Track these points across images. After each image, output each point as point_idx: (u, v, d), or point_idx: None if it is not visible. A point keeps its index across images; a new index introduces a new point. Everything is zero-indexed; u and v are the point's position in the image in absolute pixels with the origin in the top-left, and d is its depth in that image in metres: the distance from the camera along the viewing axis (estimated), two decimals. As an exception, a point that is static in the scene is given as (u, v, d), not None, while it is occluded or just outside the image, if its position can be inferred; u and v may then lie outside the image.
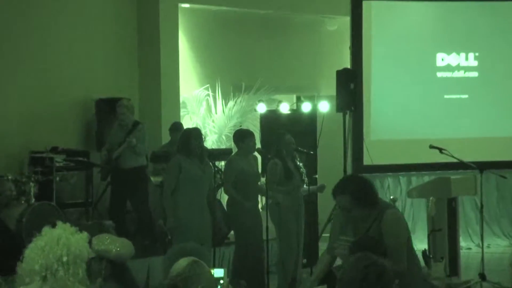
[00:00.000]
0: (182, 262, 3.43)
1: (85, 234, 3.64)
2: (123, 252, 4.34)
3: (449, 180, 7.92)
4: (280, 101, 10.74)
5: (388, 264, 2.96)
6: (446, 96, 11.28)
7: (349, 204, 4.62)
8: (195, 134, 7.54)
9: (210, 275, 3.50)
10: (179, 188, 7.34)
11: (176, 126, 9.52)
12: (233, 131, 9.46)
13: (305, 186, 8.07)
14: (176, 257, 3.77)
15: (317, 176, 9.69)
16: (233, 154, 8.44)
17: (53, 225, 3.64)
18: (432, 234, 7.55)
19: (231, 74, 11.58)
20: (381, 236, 4.53)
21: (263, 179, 8.17)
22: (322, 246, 8.20)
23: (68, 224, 3.63)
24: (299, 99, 12.00)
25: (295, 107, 10.82)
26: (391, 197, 9.13)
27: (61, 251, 3.57)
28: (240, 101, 11.38)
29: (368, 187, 4.74)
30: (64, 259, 3.57)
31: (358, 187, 4.66)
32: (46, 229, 3.60)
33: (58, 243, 3.58)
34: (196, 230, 7.23)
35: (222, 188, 8.43)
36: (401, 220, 4.79)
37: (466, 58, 11.28)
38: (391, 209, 4.77)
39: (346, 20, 11.35)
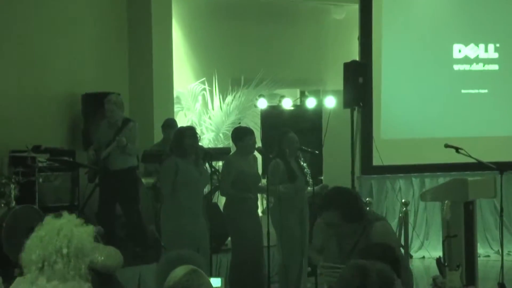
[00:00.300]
0: (180, 271, 3.35)
1: (90, 228, 3.72)
2: (109, 262, 4.36)
3: (466, 182, 7.92)
4: (282, 96, 10.80)
5: (381, 269, 2.98)
6: (463, 91, 11.29)
7: (337, 220, 4.65)
8: (189, 133, 7.53)
9: (210, 286, 3.42)
10: (175, 192, 7.37)
11: (169, 123, 9.55)
12: (231, 129, 9.43)
13: (309, 188, 8.06)
14: (170, 265, 3.74)
15: (322, 177, 9.73)
16: (231, 153, 8.44)
17: (58, 215, 3.71)
18: (447, 240, 7.55)
19: (229, 67, 11.60)
20: None
21: (264, 181, 8.17)
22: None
23: (74, 215, 3.71)
24: (303, 94, 12.10)
25: (298, 103, 10.91)
26: (403, 200, 9.16)
27: (61, 242, 3.66)
28: (239, 96, 11.42)
29: (356, 200, 4.78)
30: (64, 251, 3.66)
31: (346, 201, 4.69)
32: (48, 218, 3.68)
33: (59, 234, 3.66)
34: (192, 236, 7.27)
35: (219, 191, 8.45)
36: (390, 232, 4.83)
37: (486, 50, 11.28)
38: (380, 221, 4.80)
39: (355, 8, 11.36)
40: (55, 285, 3.74)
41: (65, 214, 3.74)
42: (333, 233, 4.78)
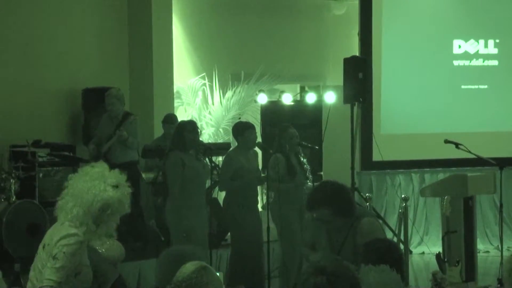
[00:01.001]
0: (190, 267, 3.31)
1: (110, 192, 3.81)
2: (112, 255, 4.36)
3: (466, 177, 7.91)
4: (282, 91, 10.89)
5: (337, 272, 2.93)
6: (463, 87, 11.25)
7: (330, 216, 4.62)
8: (190, 127, 7.52)
9: (219, 284, 3.38)
10: (182, 186, 7.36)
11: (170, 118, 9.49)
12: (231, 124, 9.56)
13: (309, 183, 8.03)
14: (170, 260, 3.74)
15: (322, 173, 9.72)
16: (232, 149, 8.48)
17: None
18: (447, 236, 7.56)
19: (230, 62, 11.58)
20: (357, 247, 4.51)
21: (263, 176, 8.14)
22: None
23: (116, 173, 3.89)
24: (303, 89, 12.10)
25: (298, 98, 10.91)
26: (403, 195, 9.14)
27: (73, 183, 3.73)
28: (239, 91, 11.39)
29: (348, 195, 4.75)
30: (71, 190, 3.73)
31: (339, 196, 4.66)
32: (97, 164, 3.90)
33: (81, 177, 3.73)
34: (195, 232, 7.29)
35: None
36: (377, 229, 4.79)
37: (486, 45, 11.25)
38: (367, 218, 4.77)
39: (355, 3, 11.34)
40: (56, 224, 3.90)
41: (116, 171, 3.89)
42: (325, 229, 4.76)
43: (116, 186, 3.87)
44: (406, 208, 8.76)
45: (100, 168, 3.92)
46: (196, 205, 7.40)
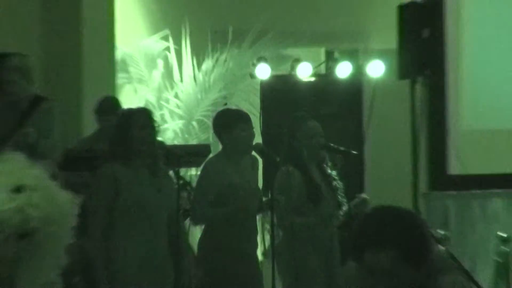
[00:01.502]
0: None
1: (4, 202, 3.63)
2: None
3: None
4: (296, 60, 10.74)
5: None
6: None
7: (390, 265, 4.33)
8: (140, 120, 7.48)
9: None
10: (116, 220, 7.36)
11: (108, 105, 9.53)
12: (212, 114, 9.72)
13: (341, 213, 8.19)
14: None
15: (364, 194, 9.39)
16: (212, 155, 8.57)
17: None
18: None
19: (209, 13, 11.63)
20: None
21: (266, 201, 8.25)
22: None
23: (20, 168, 3.78)
24: (330, 56, 11.86)
25: (323, 71, 10.95)
26: (502, 234, 9.08)
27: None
28: (225, 60, 11.40)
29: (422, 232, 4.48)
30: None
31: (408, 234, 4.36)
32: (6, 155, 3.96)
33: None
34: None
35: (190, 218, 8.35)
36: None
37: None
38: (449, 276, 4.54)
39: None
40: None
41: (23, 166, 3.80)
42: (377, 285, 4.44)
43: (17, 190, 3.63)
44: (507, 254, 8.59)
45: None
46: (143, 251, 7.29)
